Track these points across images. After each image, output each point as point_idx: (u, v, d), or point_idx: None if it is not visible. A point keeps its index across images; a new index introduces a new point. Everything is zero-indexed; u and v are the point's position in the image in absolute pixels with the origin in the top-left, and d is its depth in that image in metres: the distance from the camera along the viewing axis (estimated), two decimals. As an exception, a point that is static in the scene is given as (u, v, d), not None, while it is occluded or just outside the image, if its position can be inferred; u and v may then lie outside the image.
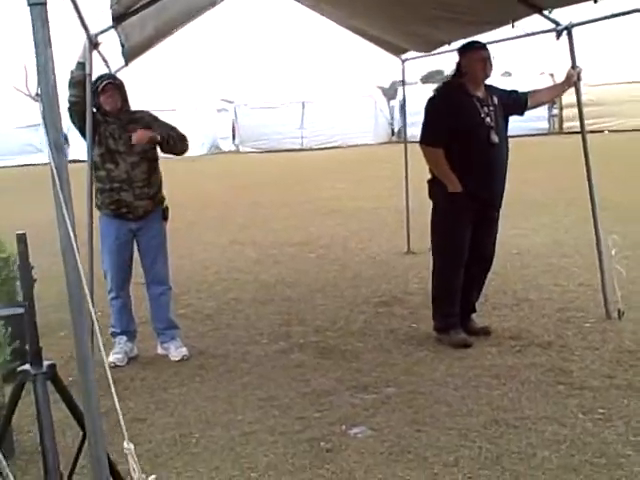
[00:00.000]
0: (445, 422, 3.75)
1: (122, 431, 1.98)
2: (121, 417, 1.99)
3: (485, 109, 4.85)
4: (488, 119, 4.83)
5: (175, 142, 4.96)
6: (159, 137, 4.87)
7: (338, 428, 3.76)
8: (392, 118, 31.23)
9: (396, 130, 30.88)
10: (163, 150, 4.97)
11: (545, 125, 26.84)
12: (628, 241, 7.00)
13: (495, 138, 4.83)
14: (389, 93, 36.28)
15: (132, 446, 1.98)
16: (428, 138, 4.90)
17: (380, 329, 5.47)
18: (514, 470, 3.22)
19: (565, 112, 26.58)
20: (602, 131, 22.81)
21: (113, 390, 1.95)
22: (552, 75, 27.63)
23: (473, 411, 3.87)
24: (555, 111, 26.71)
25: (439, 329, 5.10)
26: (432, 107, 4.93)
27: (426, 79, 42.45)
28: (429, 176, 5.04)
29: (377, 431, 3.70)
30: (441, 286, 5.08)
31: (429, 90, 5.21)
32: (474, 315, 5.25)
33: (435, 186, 4.97)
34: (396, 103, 30.88)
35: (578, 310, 5.59)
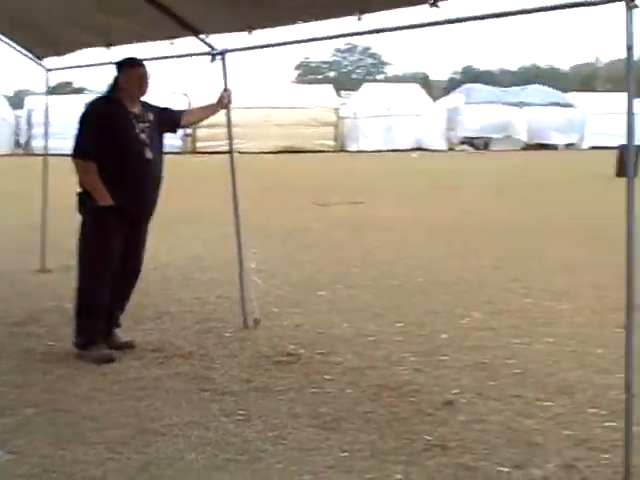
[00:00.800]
0: (91, 437, 3.67)
1: None
2: None
3: (140, 125, 4.89)
4: (143, 135, 4.88)
5: None
6: None
7: (-27, 456, 3.47)
8: (18, 129, 29.61)
9: (22, 141, 29.37)
10: None
11: (179, 143, 27.65)
12: (263, 255, 7.53)
13: (149, 154, 4.89)
14: (14, 102, 34.33)
15: None
16: (80, 151, 4.79)
17: (15, 350, 5.14)
18: (162, 475, 3.29)
19: (198, 132, 27.68)
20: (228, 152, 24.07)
21: None
22: (186, 95, 28.70)
23: (120, 423, 3.83)
24: (189, 130, 27.59)
25: (82, 345, 4.95)
26: (86, 120, 4.84)
27: (54, 90, 40.94)
28: (79, 189, 4.91)
29: (17, 454, 3.48)
30: (86, 301, 4.94)
31: (58, 101, 5.12)
32: (117, 329, 5.21)
33: (85, 199, 4.86)
34: (23, 113, 29.37)
35: (218, 321, 5.83)
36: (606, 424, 3.80)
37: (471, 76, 63.57)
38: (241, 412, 4.01)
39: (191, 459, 3.43)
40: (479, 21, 3.98)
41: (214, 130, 23.20)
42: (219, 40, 5.44)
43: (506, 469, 3.35)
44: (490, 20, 3.95)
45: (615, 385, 4.08)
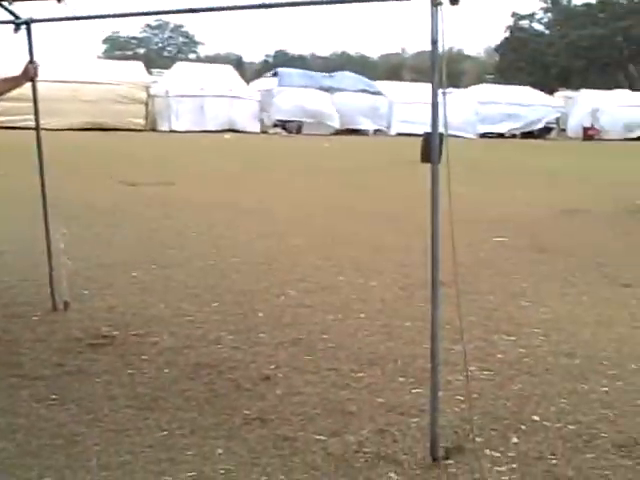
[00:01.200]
0: None
1: None
2: None
3: None
4: None
5: None
6: None
7: None
8: None
9: None
10: None
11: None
12: (71, 236, 7.22)
13: None
14: None
15: None
16: None
17: None
18: (-31, 466, 3.11)
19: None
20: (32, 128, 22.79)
21: None
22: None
23: None
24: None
25: None
26: None
27: None
28: None
29: None
30: None
31: None
32: None
33: None
34: None
35: (24, 304, 5.55)
36: (414, 391, 4.05)
37: (284, 60, 64.53)
38: (53, 397, 3.87)
39: (1, 447, 3.26)
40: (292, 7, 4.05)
41: (11, 104, 21.83)
42: (25, 8, 5.11)
43: (323, 437, 3.48)
44: (303, 6, 4.03)
45: (422, 355, 4.35)
